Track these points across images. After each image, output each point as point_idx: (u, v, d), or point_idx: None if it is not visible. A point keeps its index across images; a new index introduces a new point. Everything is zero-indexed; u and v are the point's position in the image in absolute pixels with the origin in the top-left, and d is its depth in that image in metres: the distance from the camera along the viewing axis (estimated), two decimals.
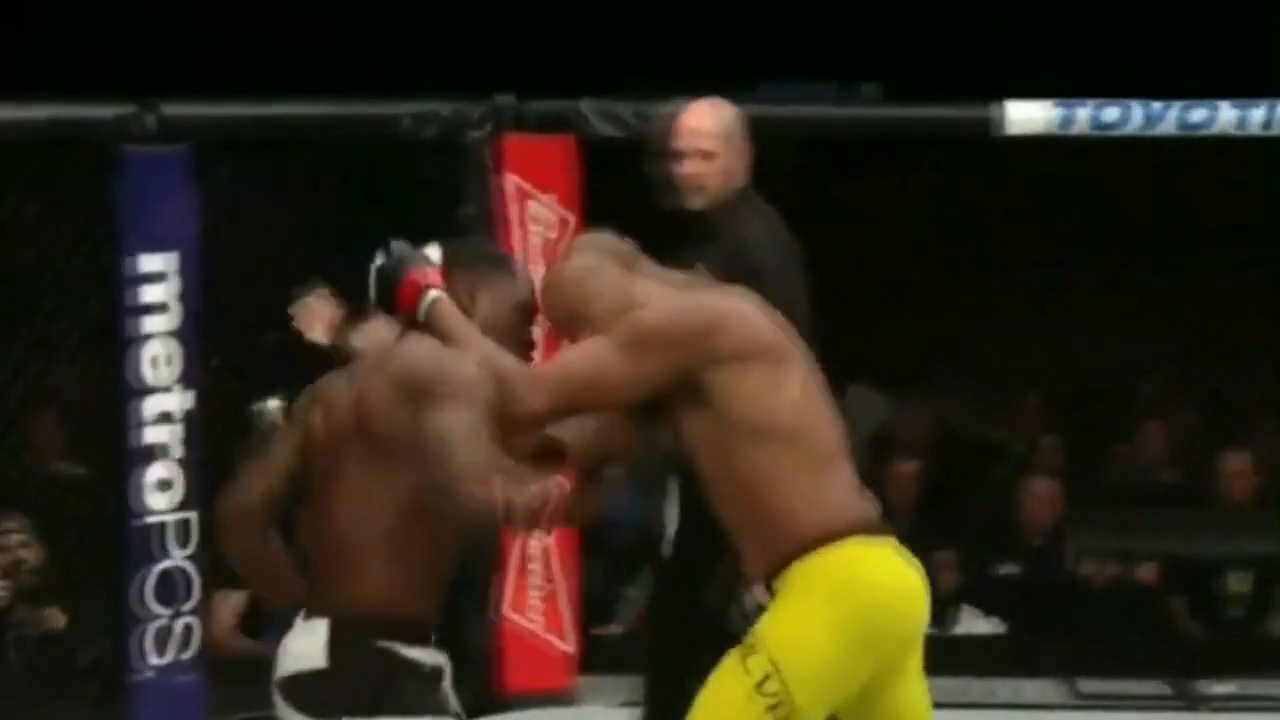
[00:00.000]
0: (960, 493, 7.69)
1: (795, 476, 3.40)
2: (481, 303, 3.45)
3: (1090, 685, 6.12)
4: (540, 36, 8.57)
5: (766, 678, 3.37)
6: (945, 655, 6.07)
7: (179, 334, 4.92)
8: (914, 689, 3.57)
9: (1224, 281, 9.58)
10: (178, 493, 4.94)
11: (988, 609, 6.82)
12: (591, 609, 6.30)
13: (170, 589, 5.03)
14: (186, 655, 5.08)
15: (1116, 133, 5.53)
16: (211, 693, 5.25)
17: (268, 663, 3.35)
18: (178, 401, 4.95)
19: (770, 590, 3.43)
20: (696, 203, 4.55)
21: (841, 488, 3.45)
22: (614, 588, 6.75)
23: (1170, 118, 5.53)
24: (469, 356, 3.34)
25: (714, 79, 6.16)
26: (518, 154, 5.66)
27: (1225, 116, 5.53)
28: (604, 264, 3.57)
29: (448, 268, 3.46)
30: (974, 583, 6.87)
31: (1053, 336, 9.18)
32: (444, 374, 3.26)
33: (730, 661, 3.42)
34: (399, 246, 3.50)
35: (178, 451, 4.93)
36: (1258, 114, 5.52)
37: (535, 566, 5.86)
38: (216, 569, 5.03)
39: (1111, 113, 5.54)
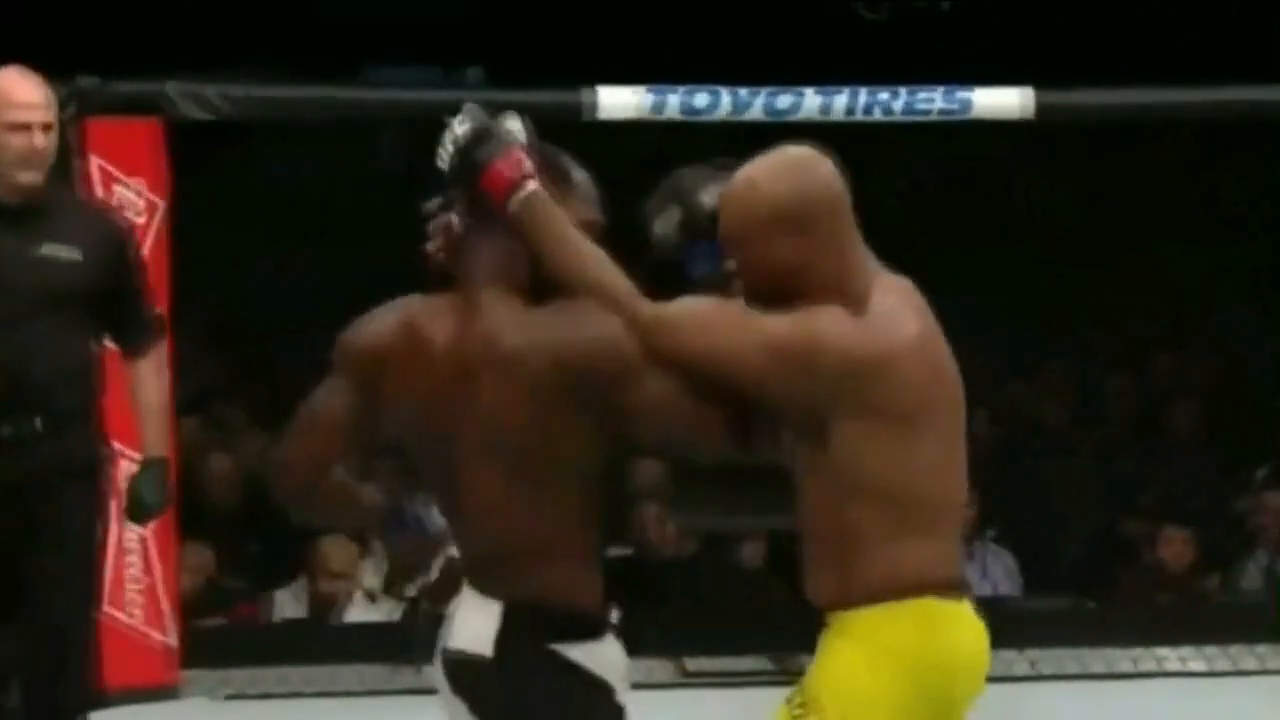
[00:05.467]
0: None
1: (891, 534, 3.06)
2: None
3: (697, 663, 6.19)
4: (125, 16, 8.39)
5: None
6: None
7: None
8: None
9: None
10: None
11: None
12: (193, 601, 6.21)
13: None
14: None
15: (705, 118, 5.63)
16: None
17: None
18: None
19: (824, 622, 3.14)
20: (35, 178, 4.62)
21: (931, 547, 3.12)
22: (216, 578, 6.67)
23: (758, 104, 5.65)
24: (573, 266, 2.93)
25: (314, 61, 6.10)
26: (102, 137, 5.54)
27: (810, 103, 5.66)
28: (838, 213, 3.02)
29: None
30: None
31: None
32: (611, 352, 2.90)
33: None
34: (475, 112, 2.98)
35: None
36: (841, 100, 5.66)
37: (133, 559, 5.73)
38: None
39: (701, 99, 5.64)
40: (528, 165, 2.93)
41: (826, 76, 5.76)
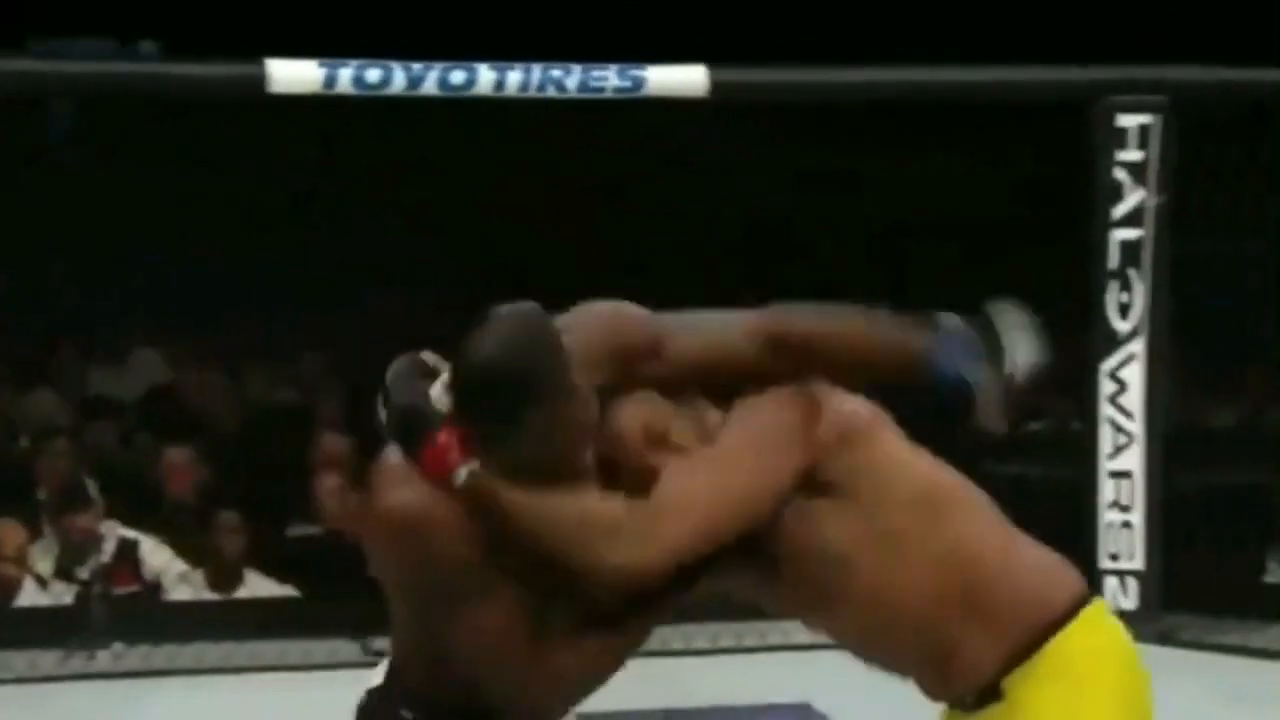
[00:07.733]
0: (252, 455, 7.66)
1: (995, 537, 2.74)
2: (525, 449, 2.74)
3: (383, 643, 6.15)
4: None
5: None
6: (232, 619, 6.10)
7: None
8: None
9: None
10: None
11: (280, 572, 6.79)
12: None
13: None
14: None
15: (380, 93, 5.61)
16: None
17: None
18: None
19: (999, 694, 2.71)
20: None
21: (1040, 548, 2.78)
22: None
23: (431, 78, 5.63)
24: (532, 538, 2.71)
25: None
26: None
27: (485, 78, 5.66)
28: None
29: (469, 421, 2.75)
30: (265, 545, 6.84)
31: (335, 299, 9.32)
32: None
33: None
34: (397, 383, 2.79)
35: None
36: (515, 76, 5.67)
37: None
38: None
39: (374, 73, 5.60)
40: (454, 452, 2.75)
41: (509, 55, 5.78)
